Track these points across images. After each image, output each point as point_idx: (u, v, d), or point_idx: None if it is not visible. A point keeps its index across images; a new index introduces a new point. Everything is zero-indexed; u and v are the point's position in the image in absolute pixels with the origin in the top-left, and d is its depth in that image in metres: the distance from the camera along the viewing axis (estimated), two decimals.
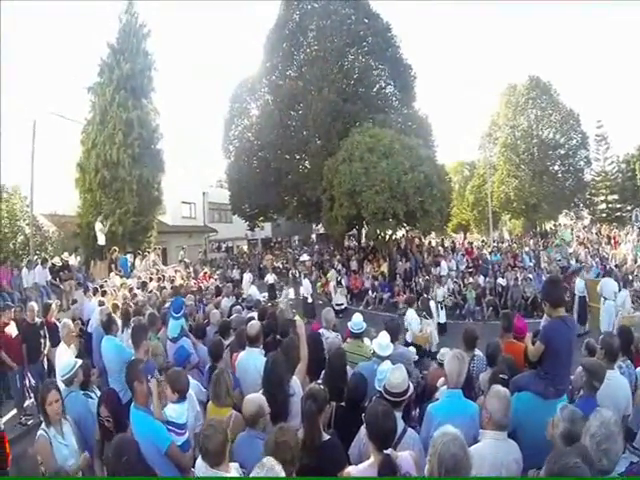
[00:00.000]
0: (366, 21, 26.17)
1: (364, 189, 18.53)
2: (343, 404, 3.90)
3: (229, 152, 29.93)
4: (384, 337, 4.86)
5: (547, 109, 36.64)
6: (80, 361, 4.85)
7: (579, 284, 13.29)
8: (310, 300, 16.00)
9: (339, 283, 18.73)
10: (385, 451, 2.66)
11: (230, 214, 33.82)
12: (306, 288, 16.34)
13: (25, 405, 7.98)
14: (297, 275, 22.06)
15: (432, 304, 11.33)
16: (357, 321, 5.70)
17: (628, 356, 4.68)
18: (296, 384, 4.02)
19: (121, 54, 19.38)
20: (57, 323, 8.56)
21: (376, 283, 18.86)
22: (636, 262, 18.01)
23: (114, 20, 20.00)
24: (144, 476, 2.86)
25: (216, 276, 18.45)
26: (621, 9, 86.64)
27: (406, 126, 25.41)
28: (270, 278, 17.74)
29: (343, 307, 16.58)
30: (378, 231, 20.37)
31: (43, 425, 3.86)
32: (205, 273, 18.62)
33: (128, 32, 19.81)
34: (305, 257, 24.70)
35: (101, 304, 8.93)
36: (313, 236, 43.37)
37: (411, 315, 9.54)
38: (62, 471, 3.25)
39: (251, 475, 2.26)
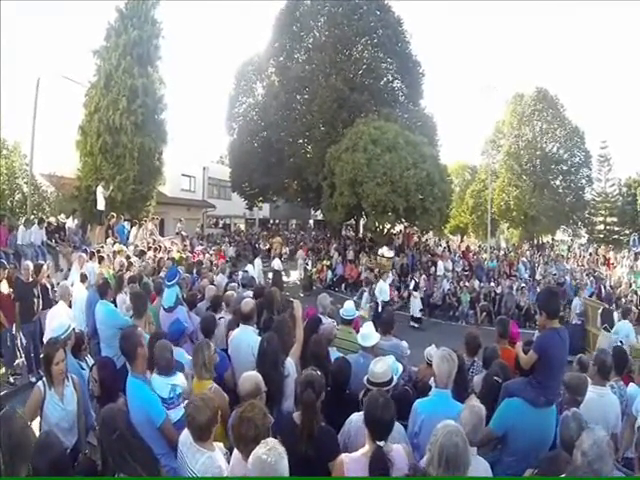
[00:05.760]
0: (378, 13, 26.19)
1: (365, 180, 18.60)
2: (328, 389, 3.89)
3: (232, 129, 29.99)
4: (367, 327, 4.87)
5: (553, 123, 36.56)
6: (74, 324, 4.83)
7: None
8: (380, 308, 13.12)
9: (415, 288, 16.79)
10: (379, 442, 2.67)
11: (229, 191, 33.91)
12: (382, 292, 13.90)
13: (15, 364, 7.99)
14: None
15: (615, 315, 10.31)
16: (348, 307, 5.73)
17: (621, 377, 4.75)
18: (290, 365, 4.04)
19: (129, 20, 19.02)
20: (47, 285, 8.55)
21: (372, 275, 18.88)
22: (630, 286, 18.27)
23: None
24: (140, 452, 2.82)
25: (212, 251, 18.36)
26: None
27: (411, 122, 25.51)
28: (276, 263, 16.54)
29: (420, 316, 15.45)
30: (377, 223, 20.46)
31: (45, 380, 3.80)
32: (220, 252, 18.43)
33: None
34: (387, 251, 19.62)
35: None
36: (311, 222, 43.42)
37: (628, 327, 8.63)
38: (51, 432, 3.06)
39: (254, 451, 2.24)
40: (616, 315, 10.42)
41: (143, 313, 5.20)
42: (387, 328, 5.26)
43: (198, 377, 3.93)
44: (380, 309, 13.16)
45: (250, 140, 28.20)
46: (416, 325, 15.18)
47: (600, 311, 10.45)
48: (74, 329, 4.67)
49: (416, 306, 15.66)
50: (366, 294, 13.94)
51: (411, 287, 16.94)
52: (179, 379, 3.89)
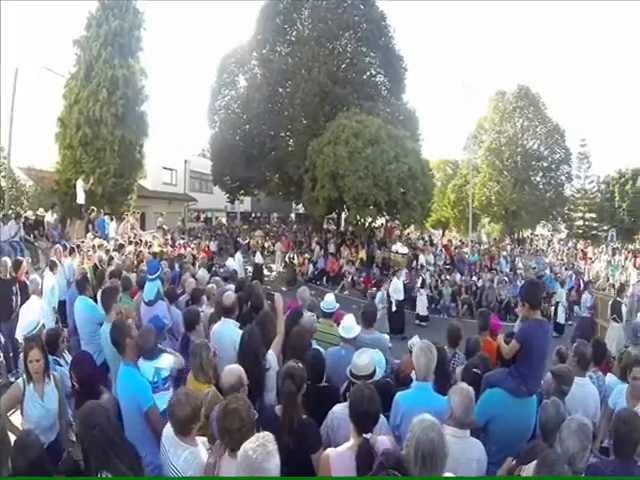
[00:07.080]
0: (361, 7, 26.04)
1: (347, 173, 18.62)
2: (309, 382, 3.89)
3: (214, 122, 29.62)
4: (348, 320, 4.86)
5: (534, 120, 36.95)
6: (44, 320, 4.76)
7: None
8: (395, 308, 13.13)
9: (422, 285, 16.39)
10: (365, 435, 2.65)
11: (211, 184, 33.71)
12: (397, 290, 13.49)
13: None
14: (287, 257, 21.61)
15: (624, 307, 10.33)
16: (329, 301, 5.69)
17: (599, 368, 4.88)
18: (272, 358, 4.04)
19: (110, 10, 18.64)
20: (26, 282, 8.34)
21: (353, 268, 18.95)
22: (608, 280, 18.69)
23: None
24: (122, 449, 2.71)
25: (193, 245, 18.26)
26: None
27: (393, 116, 25.43)
28: (258, 257, 16.69)
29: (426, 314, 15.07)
30: (358, 217, 20.51)
31: (25, 376, 3.81)
32: (208, 247, 18.37)
33: None
34: (401, 247, 19.82)
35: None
36: (292, 215, 43.38)
37: None
38: (30, 432, 3.04)
39: (244, 444, 2.10)
40: (624, 308, 10.60)
41: (110, 307, 5.13)
42: (369, 322, 5.24)
43: (195, 379, 3.84)
44: (394, 308, 13.18)
45: (232, 133, 27.89)
46: (423, 324, 14.83)
47: (610, 302, 10.69)
48: (44, 325, 4.63)
49: (423, 304, 15.33)
50: (380, 294, 13.40)
51: (418, 284, 16.44)
52: (164, 361, 3.92)
